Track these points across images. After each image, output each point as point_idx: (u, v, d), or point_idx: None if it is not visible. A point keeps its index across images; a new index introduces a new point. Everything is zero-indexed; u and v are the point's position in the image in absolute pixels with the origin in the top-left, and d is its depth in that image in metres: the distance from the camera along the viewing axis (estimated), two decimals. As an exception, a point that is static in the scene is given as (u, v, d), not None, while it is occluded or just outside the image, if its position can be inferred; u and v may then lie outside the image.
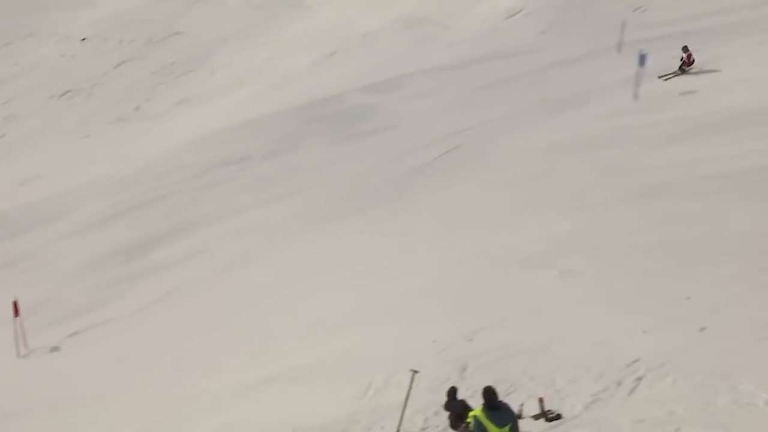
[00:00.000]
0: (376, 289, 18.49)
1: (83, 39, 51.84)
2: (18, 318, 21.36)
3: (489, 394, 10.01)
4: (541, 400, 10.99)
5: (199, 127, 38.07)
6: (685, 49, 28.84)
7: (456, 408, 10.77)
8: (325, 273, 20.99)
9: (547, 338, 13.28)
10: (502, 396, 10.60)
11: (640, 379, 11.16)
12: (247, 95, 41.37)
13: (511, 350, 13.36)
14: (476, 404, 10.38)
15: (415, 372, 10.51)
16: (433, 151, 27.25)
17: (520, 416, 10.53)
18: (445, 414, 10.96)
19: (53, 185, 34.06)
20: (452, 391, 11.10)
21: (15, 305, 21.35)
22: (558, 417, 10.75)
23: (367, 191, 26.59)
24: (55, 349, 21.63)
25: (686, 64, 28.65)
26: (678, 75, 28.68)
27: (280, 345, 16.95)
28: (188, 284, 23.50)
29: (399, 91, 36.33)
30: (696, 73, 27.99)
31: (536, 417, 10.83)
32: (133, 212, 29.98)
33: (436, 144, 27.46)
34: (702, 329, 11.98)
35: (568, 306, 14.41)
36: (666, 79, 28.51)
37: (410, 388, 10.44)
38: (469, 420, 10.26)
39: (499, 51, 37.86)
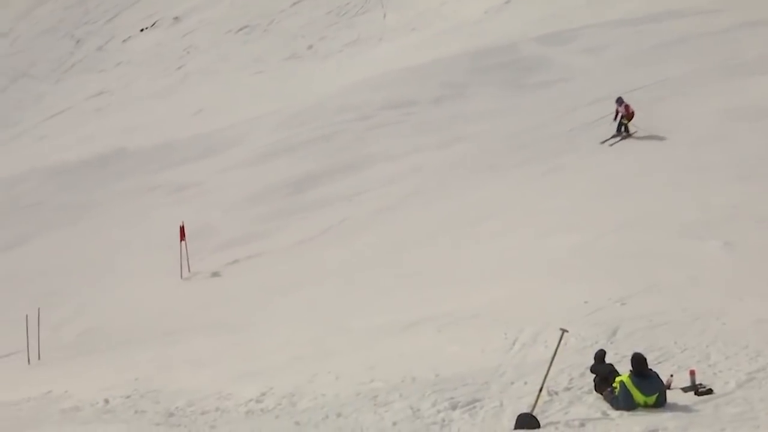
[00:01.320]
0: (530, 243, 18.32)
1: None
2: (184, 242, 22.41)
3: (638, 361, 9.74)
4: (692, 373, 10.58)
5: (368, 68, 38.35)
6: (619, 101, 24.76)
7: (602, 371, 10.55)
8: (481, 223, 20.97)
9: (705, 310, 12.78)
10: (652, 365, 10.33)
11: (801, 363, 10.60)
12: (417, 39, 41.32)
13: (664, 318, 12.95)
14: (624, 370, 10.15)
15: (565, 331, 10.33)
16: (601, 109, 26.50)
17: (668, 387, 10.23)
18: (591, 376, 10.75)
19: (224, 117, 35.17)
20: (600, 354, 10.88)
21: (182, 229, 22.39)
22: (709, 392, 10.31)
23: (530, 145, 26.25)
24: (215, 274, 22.58)
25: (625, 118, 24.46)
26: (624, 137, 24.58)
27: (429, 290, 17.07)
28: (347, 223, 23.96)
29: (571, 44, 35.38)
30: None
31: (686, 390, 10.43)
32: (299, 148, 30.60)
33: (605, 101, 26.69)
34: None
35: (730, 279, 13.78)
36: (611, 144, 24.58)
37: (558, 346, 10.28)
38: (615, 385, 10.03)
39: (678, 9, 36.13)
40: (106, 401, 13.51)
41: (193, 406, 12.71)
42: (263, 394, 12.58)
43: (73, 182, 30.52)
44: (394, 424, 10.56)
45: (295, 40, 45.67)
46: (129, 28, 50.95)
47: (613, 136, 24.81)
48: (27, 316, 18.33)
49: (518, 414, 9.86)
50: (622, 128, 24.72)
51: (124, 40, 50.05)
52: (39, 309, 18.52)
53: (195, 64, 45.21)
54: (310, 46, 44.71)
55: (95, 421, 12.68)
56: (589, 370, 10.88)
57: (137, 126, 36.70)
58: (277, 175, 28.53)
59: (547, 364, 10.23)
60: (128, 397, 13.58)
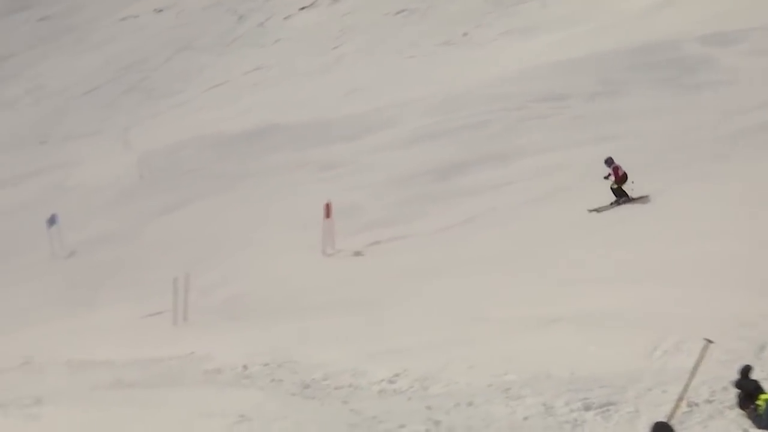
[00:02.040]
0: (680, 247, 17.70)
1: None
2: (329, 219, 22.84)
3: (786, 380, 9.36)
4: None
5: (522, 59, 37.88)
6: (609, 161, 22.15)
7: (747, 388, 10.13)
8: (628, 223, 20.48)
9: None
10: (801, 388, 9.89)
11: None
12: (575, 32, 40.47)
13: (820, 341, 12.31)
14: (769, 388, 9.78)
15: (710, 342, 9.96)
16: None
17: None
18: (734, 391, 10.36)
19: (376, 99, 35.49)
20: (745, 370, 10.42)
21: (328, 207, 22.82)
22: None
23: (687, 147, 25.30)
24: (357, 253, 22.92)
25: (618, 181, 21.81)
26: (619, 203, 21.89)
27: (571, 287, 16.78)
28: (492, 213, 23.84)
29: (739, 45, 33.86)
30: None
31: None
32: (447, 135, 30.58)
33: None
34: None
35: None
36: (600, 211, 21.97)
37: (701, 357, 9.93)
38: (759, 403, 9.66)
39: None
40: (245, 367, 13.96)
41: (328, 380, 12.97)
42: (396, 375, 12.70)
43: (229, 153, 31.53)
44: (525, 419, 10.47)
45: (450, 26, 45.54)
46: (289, 7, 52.02)
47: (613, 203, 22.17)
48: (176, 278, 19.10)
49: (654, 422, 9.56)
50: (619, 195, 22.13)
51: (284, 18, 51.19)
52: (189, 273, 19.27)
53: (351, 44, 45.78)
54: (465, 33, 44.49)
55: (234, 385, 13.14)
56: (732, 385, 10.48)
57: (291, 102, 37.55)
58: (424, 160, 28.64)
59: (689, 374, 9.91)
60: (266, 365, 13.97)
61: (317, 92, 38.79)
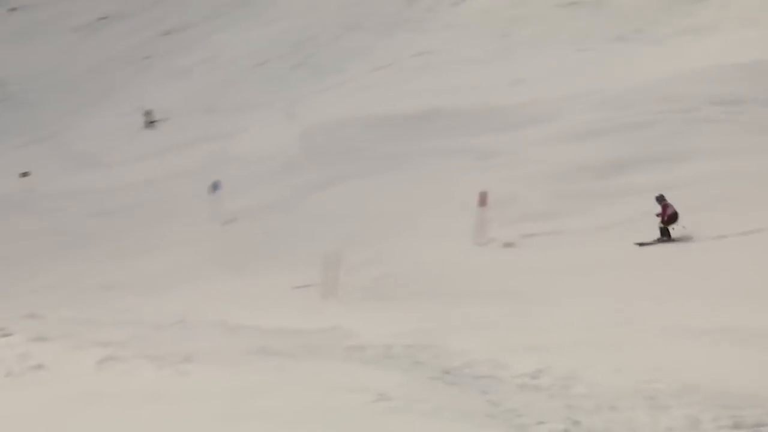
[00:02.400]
0: None
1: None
2: (483, 208, 22.70)
3: None
4: None
5: (698, 59, 36.39)
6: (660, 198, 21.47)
7: None
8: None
9: None
10: None
11: None
12: (757, 34, 38.60)
13: None
14: None
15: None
16: None
17: None
18: None
19: (541, 91, 34.93)
20: None
21: (483, 196, 22.68)
22: None
23: None
24: (509, 245, 22.67)
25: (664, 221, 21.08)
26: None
27: (728, 299, 16.03)
28: (651, 217, 23.09)
29: None
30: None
31: None
32: (612, 132, 29.75)
33: None
34: None
35: None
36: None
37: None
38: None
39: None
40: (388, 347, 14.04)
41: (469, 368, 12.86)
42: (539, 371, 12.46)
43: (389, 134, 31.79)
44: (669, 430, 10.08)
45: (623, 21, 44.25)
46: (460, -8, 51.97)
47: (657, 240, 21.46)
48: (329, 253, 19.46)
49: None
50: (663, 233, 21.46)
51: (453, 4, 51.11)
52: (341, 249, 19.60)
53: (519, 34, 45.23)
54: (638, 30, 43.14)
55: (375, 364, 13.22)
56: None
57: (456, 88, 37.46)
58: (586, 155, 27.99)
59: None
60: (409, 347, 14.01)
61: (482, 80, 38.52)
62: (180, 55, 64.77)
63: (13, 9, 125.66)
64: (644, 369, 12.24)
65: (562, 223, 23.32)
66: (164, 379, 11.33)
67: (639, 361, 12.65)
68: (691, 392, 11.26)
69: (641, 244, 21.26)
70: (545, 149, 29.19)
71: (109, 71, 71.40)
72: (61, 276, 25.65)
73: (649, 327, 14.82)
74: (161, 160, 41.96)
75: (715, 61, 35.14)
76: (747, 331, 13.93)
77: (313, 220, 26.63)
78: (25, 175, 43.56)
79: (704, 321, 14.65)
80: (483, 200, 22.70)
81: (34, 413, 9.56)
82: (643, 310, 15.94)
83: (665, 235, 21.45)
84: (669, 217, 21.34)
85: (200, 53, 62.13)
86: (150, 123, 50.48)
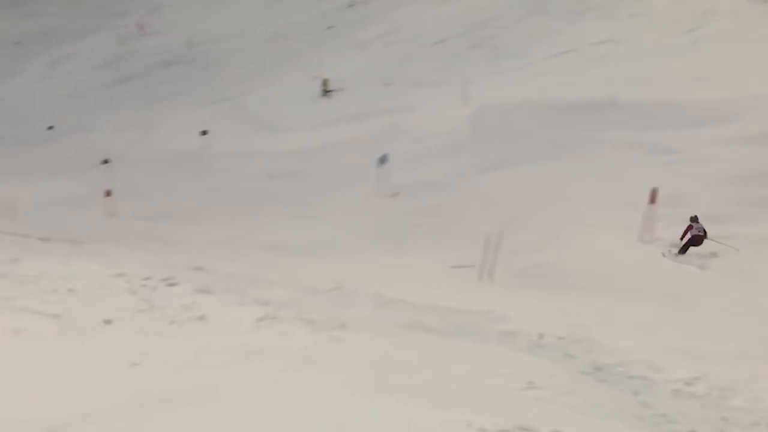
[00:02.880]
0: None
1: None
2: (652, 206, 21.98)
3: None
4: None
5: None
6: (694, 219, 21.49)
7: None
8: None
9: None
10: None
11: None
12: None
13: None
14: None
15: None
16: None
17: None
18: None
19: (727, 88, 33.30)
20: None
21: (654, 193, 21.96)
22: None
23: None
24: (674, 245, 21.87)
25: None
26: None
27: None
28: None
29: None
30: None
31: None
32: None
33: None
34: None
35: None
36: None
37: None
38: None
39: None
40: (541, 335, 13.87)
41: (622, 367, 12.56)
42: (695, 378, 12.03)
43: (562, 121, 31.18)
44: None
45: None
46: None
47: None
48: (489, 235, 19.35)
49: None
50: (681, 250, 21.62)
51: (643, -8, 49.53)
52: (502, 231, 19.44)
53: (710, 28, 43.27)
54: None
55: (527, 351, 13.10)
56: None
57: (635, 79, 36.25)
58: (765, 160, 26.58)
59: None
60: (562, 338, 13.81)
61: (665, 73, 37.13)
62: (361, 27, 65.71)
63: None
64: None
65: (735, 228, 22.19)
66: (318, 344, 11.59)
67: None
68: None
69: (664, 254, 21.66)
70: (723, 150, 27.87)
71: (291, 39, 73.33)
72: (229, 232, 26.61)
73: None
74: (333, 129, 42.81)
75: None
76: None
77: (476, 201, 26.52)
78: (204, 133, 45.50)
79: None
80: (653, 197, 21.97)
81: (192, 362, 9.97)
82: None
83: (681, 252, 21.64)
84: (692, 239, 21.54)
85: (381, 27, 62.82)
86: (326, 92, 51.54)
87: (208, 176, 37.99)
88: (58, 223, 29.07)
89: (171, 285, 14.89)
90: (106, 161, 41.58)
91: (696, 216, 21.88)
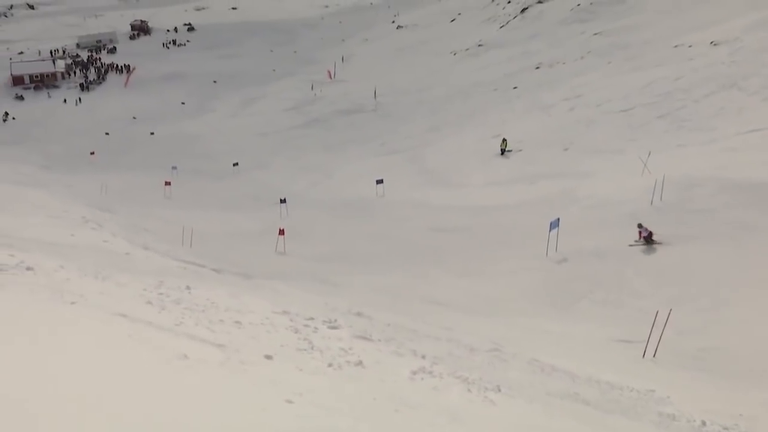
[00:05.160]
0: None
1: None
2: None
3: None
4: None
5: None
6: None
7: None
8: None
9: None
10: None
11: None
12: None
13: None
14: None
15: None
16: None
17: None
18: None
19: None
20: None
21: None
22: None
23: None
24: None
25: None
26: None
27: None
28: None
29: None
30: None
31: None
32: None
33: None
34: None
35: None
36: None
37: None
38: None
39: None
40: (703, 423, 13.22)
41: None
42: None
43: (746, 201, 29.74)
44: None
45: None
46: None
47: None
48: (656, 312, 18.72)
49: None
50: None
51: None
52: (671, 310, 18.75)
53: None
54: None
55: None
56: None
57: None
58: None
59: None
60: (726, 429, 13.11)
61: None
62: (545, 90, 65.73)
63: (400, 27, 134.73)
64: None
65: None
66: (470, 403, 11.48)
67: None
68: None
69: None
70: None
71: (475, 96, 74.15)
72: (391, 282, 26.92)
73: None
74: (507, 189, 42.75)
75: None
76: None
77: (647, 275, 25.73)
78: (379, 182, 46.44)
79: None
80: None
81: (346, 406, 10.08)
82: None
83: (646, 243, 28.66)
84: (645, 238, 28.69)
85: (565, 91, 62.60)
86: (504, 151, 51.62)
87: (377, 224, 38.66)
88: (231, 255, 30.27)
89: (332, 328, 15.16)
90: (283, 200, 43.02)
91: (640, 223, 28.91)
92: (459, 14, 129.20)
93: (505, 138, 52.59)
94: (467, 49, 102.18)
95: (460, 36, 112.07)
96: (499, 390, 12.29)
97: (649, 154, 39.03)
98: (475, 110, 67.76)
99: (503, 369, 14.65)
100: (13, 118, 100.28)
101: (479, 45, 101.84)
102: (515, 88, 71.83)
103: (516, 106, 64.23)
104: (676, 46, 62.87)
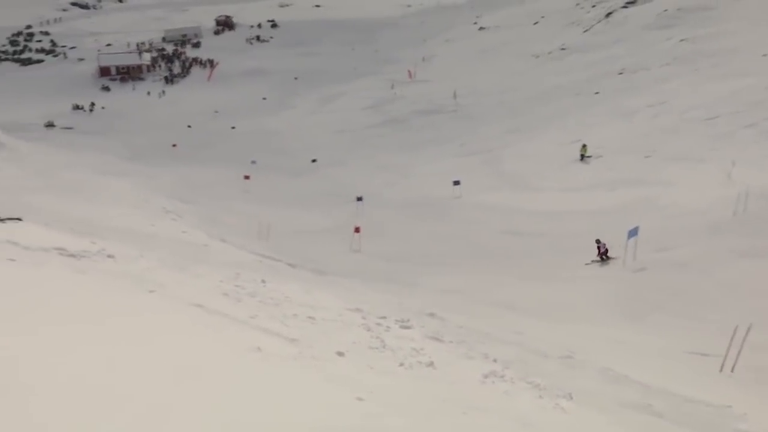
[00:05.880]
0: None
1: None
2: None
3: None
4: None
5: None
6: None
7: None
8: None
9: None
10: None
11: None
12: None
13: None
14: None
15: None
16: None
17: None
18: None
19: None
20: None
21: None
22: None
23: None
24: None
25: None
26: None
27: None
28: None
29: None
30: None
31: None
32: None
33: None
34: None
35: None
36: None
37: None
38: None
39: None
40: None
41: None
42: None
43: None
44: None
45: None
46: None
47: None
48: (736, 326, 18.26)
49: None
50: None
51: None
52: (751, 324, 18.27)
53: None
54: None
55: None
56: None
57: None
58: None
59: None
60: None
61: None
62: (628, 96, 64.72)
63: (482, 28, 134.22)
64: None
65: None
66: (541, 410, 11.39)
67: None
68: None
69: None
70: None
71: (556, 100, 73.45)
72: (464, 283, 26.82)
73: None
74: (585, 195, 42.26)
75: None
76: None
77: (727, 287, 25.09)
78: (456, 183, 46.34)
79: None
80: None
81: (416, 406, 10.08)
82: None
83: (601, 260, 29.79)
84: (602, 254, 29.67)
85: (648, 97, 61.57)
86: (583, 157, 51.02)
87: (452, 225, 38.59)
88: (306, 251, 30.56)
89: (404, 327, 15.19)
90: (359, 198, 43.23)
91: (599, 239, 29.95)
92: (542, 17, 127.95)
93: (585, 143, 51.96)
94: (549, 53, 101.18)
95: (542, 39, 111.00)
96: (571, 398, 12.16)
97: (734, 163, 38.12)
98: (556, 114, 67.06)
99: (575, 377, 14.48)
100: (103, 108, 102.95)
101: (562, 48, 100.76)
102: (597, 93, 70.87)
103: (597, 111, 63.38)
104: (765, 55, 61.32)
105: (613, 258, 29.28)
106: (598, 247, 29.61)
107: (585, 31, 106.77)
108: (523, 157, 55.20)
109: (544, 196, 43.94)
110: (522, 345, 16.47)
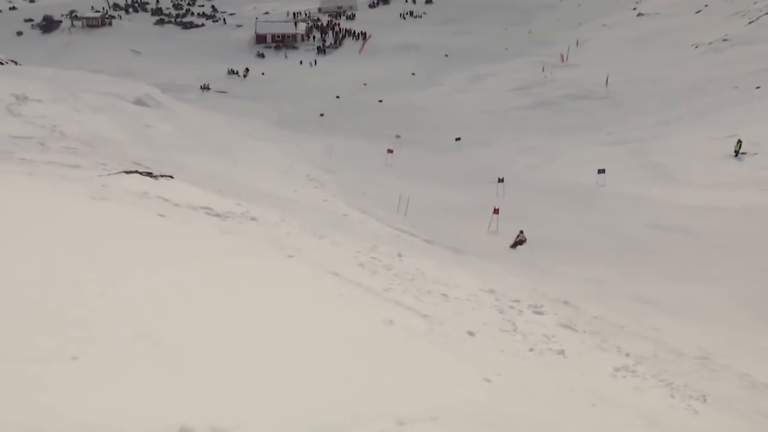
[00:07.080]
0: None
1: None
2: None
3: None
4: None
5: None
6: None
7: None
8: None
9: None
10: None
11: None
12: None
13: None
14: None
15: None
16: None
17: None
18: None
19: None
20: None
21: None
22: None
23: None
24: None
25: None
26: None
27: None
28: None
29: None
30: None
31: None
32: None
33: None
34: None
35: None
36: None
37: None
38: None
39: None
40: None
41: None
42: None
43: None
44: None
45: None
46: None
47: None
48: None
49: None
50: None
51: None
52: None
53: None
54: None
55: None
56: None
57: None
58: None
59: None
60: None
61: None
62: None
63: (641, 15, 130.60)
64: None
65: None
66: (672, 409, 11.12)
67: None
68: None
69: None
70: None
71: (712, 92, 70.85)
72: (602, 274, 26.26)
73: None
74: (737, 193, 40.68)
75: None
76: None
77: None
78: (601, 171, 45.24)
79: None
80: None
81: (542, 393, 10.00)
82: None
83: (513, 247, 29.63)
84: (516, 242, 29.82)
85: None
86: (738, 153, 49.03)
87: (594, 214, 37.85)
88: (443, 229, 30.62)
89: (537, 313, 15.07)
90: (501, 180, 42.93)
91: (522, 230, 30.27)
92: (705, 5, 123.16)
93: (740, 139, 49.87)
94: (710, 43, 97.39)
95: (704, 28, 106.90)
96: (705, 400, 11.81)
97: None
98: (711, 107, 64.61)
99: (711, 379, 14.02)
100: (262, 73, 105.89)
101: (724, 39, 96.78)
102: (758, 87, 67.79)
103: (757, 107, 60.64)
104: None
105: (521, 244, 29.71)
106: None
107: (750, 23, 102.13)
108: (672, 149, 53.49)
109: (691, 191, 42.50)
110: (657, 341, 16.05)
